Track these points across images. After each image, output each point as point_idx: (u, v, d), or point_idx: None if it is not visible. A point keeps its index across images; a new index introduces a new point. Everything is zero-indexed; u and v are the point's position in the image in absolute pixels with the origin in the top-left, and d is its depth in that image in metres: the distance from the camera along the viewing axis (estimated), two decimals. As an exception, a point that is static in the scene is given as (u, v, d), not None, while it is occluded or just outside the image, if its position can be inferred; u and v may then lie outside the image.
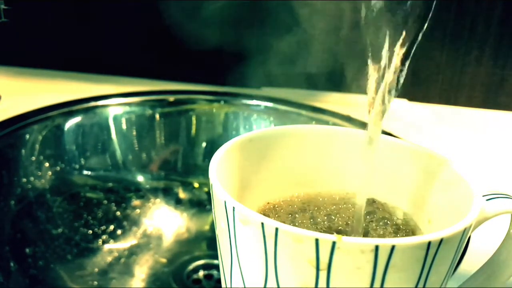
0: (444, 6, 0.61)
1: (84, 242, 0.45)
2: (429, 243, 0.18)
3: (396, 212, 0.26)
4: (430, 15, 0.21)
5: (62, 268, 0.42)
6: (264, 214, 0.25)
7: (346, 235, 0.23)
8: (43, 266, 0.40)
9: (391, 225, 0.25)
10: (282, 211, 0.26)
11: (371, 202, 0.27)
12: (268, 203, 0.27)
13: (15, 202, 0.43)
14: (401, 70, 0.22)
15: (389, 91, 0.22)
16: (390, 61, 0.22)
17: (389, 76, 0.22)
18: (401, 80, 0.22)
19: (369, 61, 0.22)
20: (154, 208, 0.50)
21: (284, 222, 0.20)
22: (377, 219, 0.25)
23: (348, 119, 0.53)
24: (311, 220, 0.25)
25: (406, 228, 0.25)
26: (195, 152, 0.54)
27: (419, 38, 0.21)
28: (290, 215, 0.26)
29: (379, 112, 0.23)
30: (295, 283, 0.19)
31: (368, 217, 0.26)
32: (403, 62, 0.22)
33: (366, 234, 0.24)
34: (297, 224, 0.25)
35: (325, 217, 0.26)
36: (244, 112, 0.55)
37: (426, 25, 0.21)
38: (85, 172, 0.50)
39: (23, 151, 0.46)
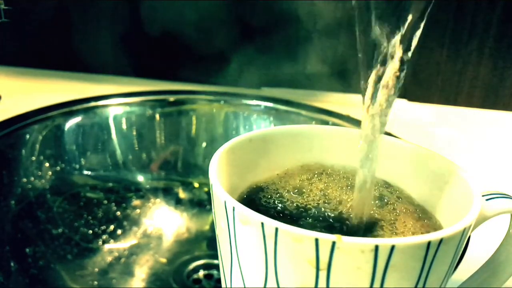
0: (444, 6, 0.61)
1: (84, 242, 0.45)
2: (429, 243, 0.18)
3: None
4: (425, 19, 0.21)
5: (62, 268, 0.42)
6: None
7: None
8: (43, 266, 0.40)
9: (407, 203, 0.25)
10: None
11: (383, 183, 0.27)
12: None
13: (15, 202, 0.43)
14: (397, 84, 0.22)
15: (388, 101, 0.22)
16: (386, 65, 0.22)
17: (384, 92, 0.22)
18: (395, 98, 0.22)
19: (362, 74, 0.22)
20: (154, 208, 0.50)
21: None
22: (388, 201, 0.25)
23: (348, 119, 0.53)
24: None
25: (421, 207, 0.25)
26: (195, 152, 0.54)
27: (412, 48, 0.21)
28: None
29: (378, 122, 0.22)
30: (295, 283, 0.19)
31: (377, 201, 0.25)
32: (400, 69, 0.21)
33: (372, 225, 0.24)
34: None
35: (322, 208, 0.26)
36: (244, 112, 0.55)
37: (422, 28, 0.21)
38: (85, 172, 0.50)
39: (23, 151, 0.46)
